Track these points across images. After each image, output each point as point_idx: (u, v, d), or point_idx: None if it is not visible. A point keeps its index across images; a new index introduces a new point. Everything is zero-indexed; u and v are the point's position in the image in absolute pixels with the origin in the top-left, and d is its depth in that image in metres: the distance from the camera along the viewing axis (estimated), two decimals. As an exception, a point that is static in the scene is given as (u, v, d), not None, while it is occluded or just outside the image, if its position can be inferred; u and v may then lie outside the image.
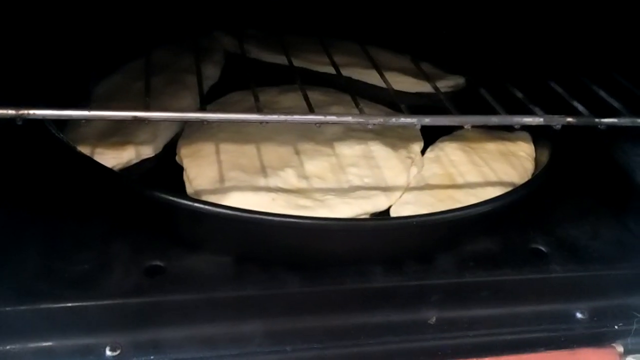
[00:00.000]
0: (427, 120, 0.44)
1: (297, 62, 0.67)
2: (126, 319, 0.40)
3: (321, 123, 0.44)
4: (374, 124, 0.45)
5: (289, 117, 0.43)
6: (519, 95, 0.51)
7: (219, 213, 0.40)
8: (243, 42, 0.68)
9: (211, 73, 0.63)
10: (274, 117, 0.42)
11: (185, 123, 0.55)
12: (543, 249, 0.49)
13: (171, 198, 0.40)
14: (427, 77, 0.67)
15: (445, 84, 0.67)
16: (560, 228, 0.51)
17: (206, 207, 0.40)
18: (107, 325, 0.40)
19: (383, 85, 0.64)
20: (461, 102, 0.53)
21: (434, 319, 0.45)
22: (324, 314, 0.43)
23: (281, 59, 0.67)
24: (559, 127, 0.45)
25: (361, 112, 0.58)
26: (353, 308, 0.44)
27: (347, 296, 0.44)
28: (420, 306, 0.45)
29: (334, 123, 0.45)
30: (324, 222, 0.41)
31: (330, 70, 0.65)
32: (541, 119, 0.45)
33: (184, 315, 0.41)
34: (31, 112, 0.36)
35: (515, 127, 0.47)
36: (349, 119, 0.45)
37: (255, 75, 0.58)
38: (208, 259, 0.43)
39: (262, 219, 0.40)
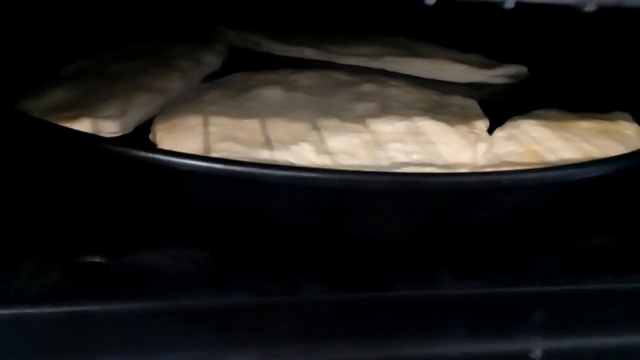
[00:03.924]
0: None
1: (316, 54, 0.56)
2: (36, 342, 0.24)
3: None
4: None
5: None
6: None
7: (192, 167, 0.25)
8: (252, 34, 0.57)
9: (211, 61, 0.51)
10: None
11: (166, 100, 0.42)
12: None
13: (114, 148, 0.25)
14: (482, 64, 0.54)
15: (505, 72, 0.53)
16: None
17: (171, 158, 0.25)
18: (6, 350, 0.25)
19: (425, 75, 0.52)
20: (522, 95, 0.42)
21: (539, 352, 0.28)
22: (358, 339, 0.26)
23: (296, 51, 0.56)
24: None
25: (402, 89, 0.46)
26: (406, 330, 0.27)
27: (396, 310, 0.27)
28: (515, 330, 0.28)
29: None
30: (362, 176, 0.25)
31: (357, 61, 0.53)
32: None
33: (131, 336, 0.25)
34: None
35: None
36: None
37: (265, 67, 0.48)
38: (174, 253, 0.28)
39: (265, 174, 0.24)
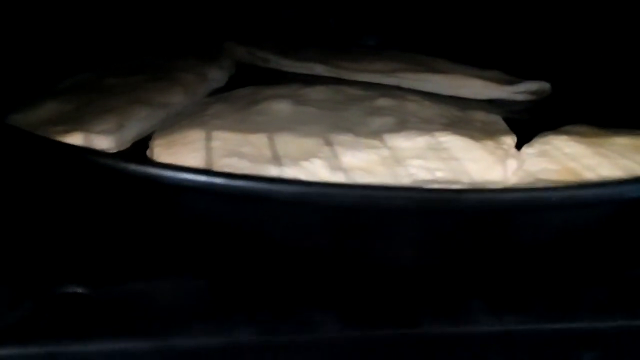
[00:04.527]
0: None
1: (326, 71, 0.53)
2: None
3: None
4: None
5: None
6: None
7: (186, 182, 0.22)
8: (260, 49, 0.54)
9: (216, 76, 0.48)
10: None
11: (167, 114, 0.39)
12: None
13: (99, 159, 0.22)
14: (502, 80, 0.51)
15: (527, 88, 0.50)
16: None
17: (163, 171, 0.22)
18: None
19: (443, 91, 0.49)
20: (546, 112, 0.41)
21: (590, 399, 0.24)
22: (383, 384, 0.23)
23: (306, 68, 0.53)
24: None
25: (420, 103, 0.43)
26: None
27: (425, 349, 0.24)
28: (562, 373, 0.24)
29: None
30: (388, 192, 0.21)
31: (370, 78, 0.51)
32: None
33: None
34: None
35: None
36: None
37: (273, 83, 0.46)
38: (167, 283, 0.24)
39: (273, 189, 0.21)
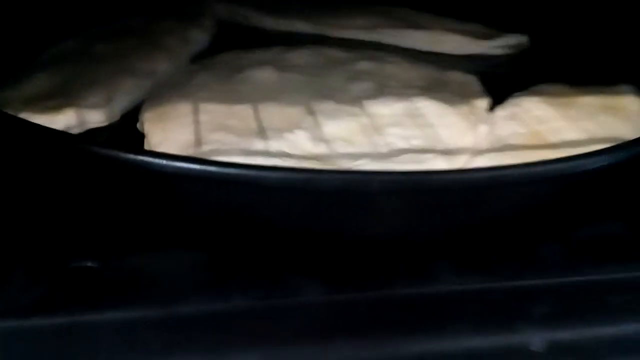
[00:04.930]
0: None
1: (308, 28, 0.54)
2: (23, 356, 0.24)
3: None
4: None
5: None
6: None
7: (189, 171, 0.24)
8: (241, 7, 0.55)
9: (198, 38, 0.48)
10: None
11: (152, 83, 0.40)
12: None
13: (106, 151, 0.24)
14: (481, 35, 0.53)
15: (505, 42, 0.51)
16: None
17: (166, 162, 0.24)
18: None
19: (423, 47, 0.51)
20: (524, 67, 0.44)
21: (540, 344, 0.28)
22: (360, 339, 0.26)
23: (287, 25, 0.54)
24: None
25: (399, 66, 0.44)
26: (408, 327, 0.27)
27: (399, 308, 0.27)
28: (516, 324, 0.27)
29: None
30: (363, 176, 0.24)
31: (351, 34, 0.52)
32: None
33: (127, 345, 0.25)
34: None
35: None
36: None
37: (255, 43, 0.47)
38: (170, 256, 0.27)
39: (260, 176, 0.23)
